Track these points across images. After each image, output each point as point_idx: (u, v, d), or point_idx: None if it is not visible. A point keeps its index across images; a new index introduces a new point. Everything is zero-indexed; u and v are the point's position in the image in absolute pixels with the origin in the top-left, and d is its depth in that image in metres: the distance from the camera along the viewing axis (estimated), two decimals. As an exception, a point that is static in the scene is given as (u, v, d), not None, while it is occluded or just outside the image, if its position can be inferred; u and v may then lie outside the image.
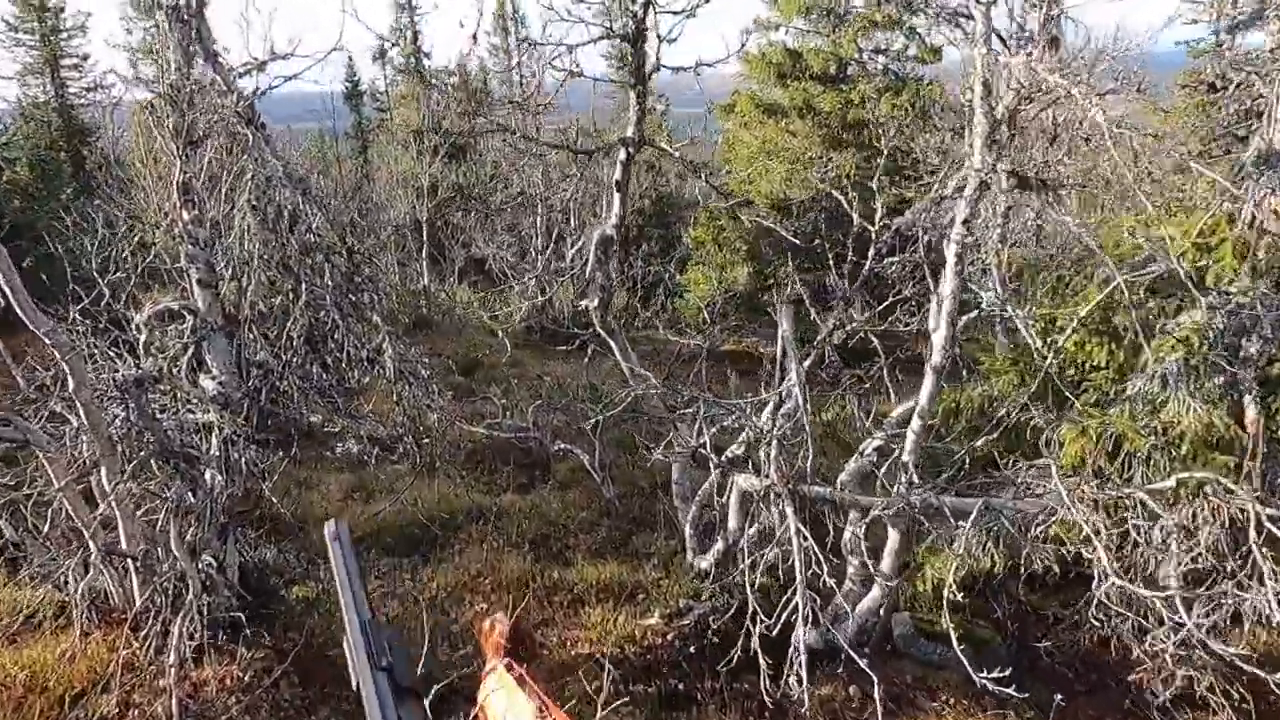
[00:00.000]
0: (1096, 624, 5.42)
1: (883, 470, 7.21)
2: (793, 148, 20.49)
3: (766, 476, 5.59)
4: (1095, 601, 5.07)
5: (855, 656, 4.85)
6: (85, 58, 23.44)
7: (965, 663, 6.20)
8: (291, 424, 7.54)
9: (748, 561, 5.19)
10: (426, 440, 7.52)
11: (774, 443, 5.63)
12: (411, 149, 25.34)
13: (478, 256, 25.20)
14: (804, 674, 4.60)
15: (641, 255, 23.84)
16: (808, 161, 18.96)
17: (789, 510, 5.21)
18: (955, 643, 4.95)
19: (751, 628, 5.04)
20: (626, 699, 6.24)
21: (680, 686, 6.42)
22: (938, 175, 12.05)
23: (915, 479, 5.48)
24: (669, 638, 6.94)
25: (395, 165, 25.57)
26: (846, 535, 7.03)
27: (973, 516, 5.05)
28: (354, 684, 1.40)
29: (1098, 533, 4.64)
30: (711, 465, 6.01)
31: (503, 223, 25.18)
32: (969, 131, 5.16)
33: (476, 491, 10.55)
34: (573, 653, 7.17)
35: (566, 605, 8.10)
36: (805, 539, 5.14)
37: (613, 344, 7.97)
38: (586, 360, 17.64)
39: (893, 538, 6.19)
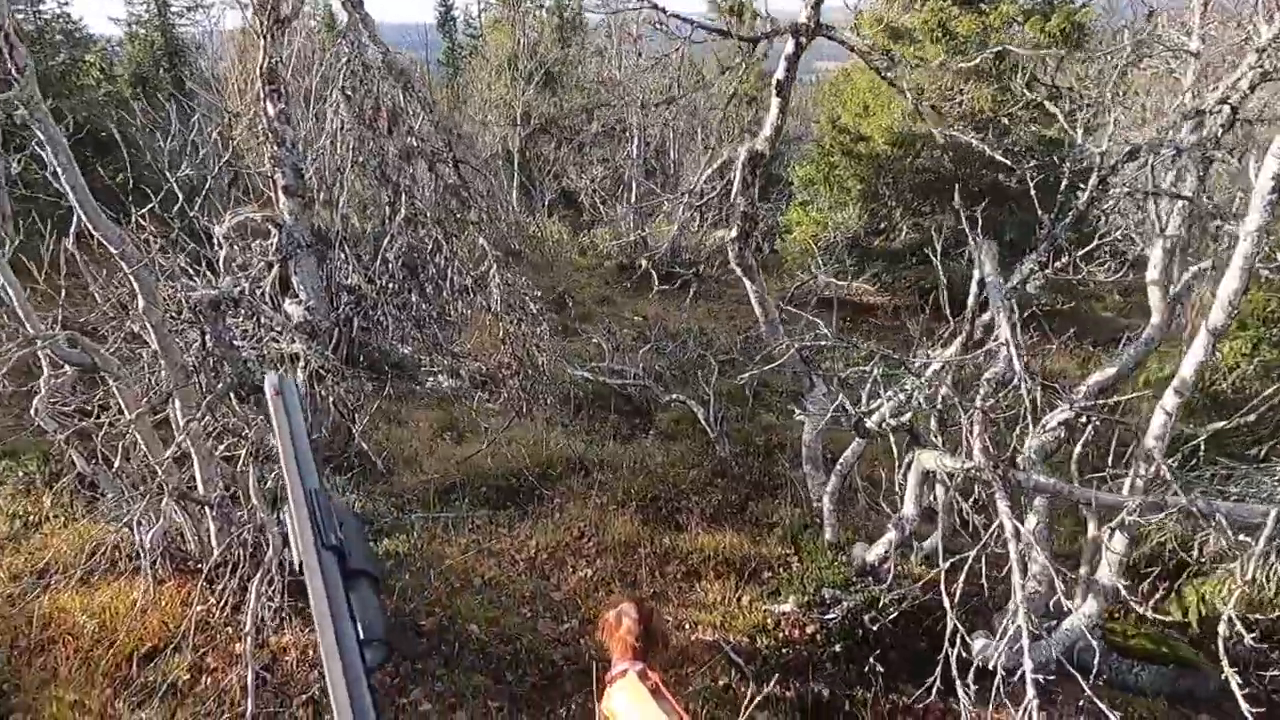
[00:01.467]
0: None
1: (1076, 451, 5.90)
2: (920, 78, 18.51)
3: (968, 457, 4.43)
4: None
5: (1086, 686, 3.70)
6: (187, -26, 23.10)
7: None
8: (384, 357, 6.70)
9: (945, 563, 4.07)
10: (533, 383, 6.59)
11: (975, 415, 4.44)
12: (505, 75, 24.20)
13: (569, 189, 24.29)
14: (1034, 713, 3.49)
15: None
16: (943, 91, 16.99)
17: (1003, 504, 4.04)
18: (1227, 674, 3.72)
19: (950, 650, 3.95)
20: (759, 702, 5.26)
21: (827, 694, 5.40)
22: (1088, 110, 10.25)
23: (1167, 473, 4.22)
24: (809, 630, 5.91)
25: (489, 92, 24.49)
26: (1029, 526, 5.81)
27: (1267, 530, 3.79)
28: (296, 564, 1.10)
29: None
30: (891, 437, 4.87)
31: (596, 155, 24.07)
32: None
33: (577, 439, 9.69)
34: (692, 638, 6.24)
35: (680, 578, 7.18)
36: (1022, 539, 3.98)
37: (749, 284, 6.78)
38: (688, 300, 16.63)
39: (1118, 541, 4.94)
